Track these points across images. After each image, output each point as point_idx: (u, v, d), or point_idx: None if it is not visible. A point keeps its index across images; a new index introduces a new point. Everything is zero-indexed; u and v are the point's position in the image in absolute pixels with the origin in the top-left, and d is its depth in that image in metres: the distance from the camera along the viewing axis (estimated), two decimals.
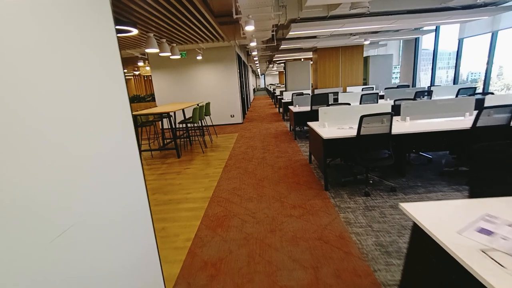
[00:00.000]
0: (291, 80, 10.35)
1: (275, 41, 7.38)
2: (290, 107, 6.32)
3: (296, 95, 6.93)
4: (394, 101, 4.65)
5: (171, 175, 4.15)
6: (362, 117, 2.77)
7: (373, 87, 8.80)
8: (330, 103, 5.65)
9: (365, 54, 9.83)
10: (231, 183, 3.61)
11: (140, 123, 5.43)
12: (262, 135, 6.72)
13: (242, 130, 7.58)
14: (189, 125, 6.60)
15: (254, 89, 28.88)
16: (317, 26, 5.55)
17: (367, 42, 7.43)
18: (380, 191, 3.04)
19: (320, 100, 5.55)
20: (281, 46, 8.44)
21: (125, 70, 13.18)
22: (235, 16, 3.95)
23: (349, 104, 4.45)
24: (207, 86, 8.55)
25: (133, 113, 5.40)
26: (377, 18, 5.18)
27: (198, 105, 6.35)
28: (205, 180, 3.80)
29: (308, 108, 5.68)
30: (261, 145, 5.67)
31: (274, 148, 5.29)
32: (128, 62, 9.21)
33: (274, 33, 6.33)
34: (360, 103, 5.40)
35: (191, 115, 5.48)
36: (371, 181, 3.28)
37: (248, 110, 12.54)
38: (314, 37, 7.33)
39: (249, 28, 4.06)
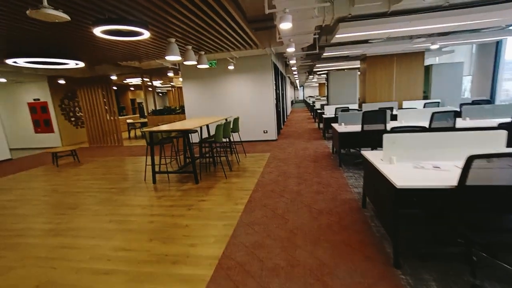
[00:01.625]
0: (334, 93, 9.13)
1: (317, 47, 6.37)
2: (334, 125, 5.17)
3: (342, 111, 5.76)
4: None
5: (181, 210, 3.32)
6: (471, 159, 1.60)
7: (438, 102, 7.19)
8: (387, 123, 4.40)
9: (425, 63, 8.25)
10: (252, 234, 2.62)
11: (158, 140, 4.78)
12: (298, 157, 5.65)
13: (275, 149, 6.59)
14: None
15: (292, 101, 27.90)
16: (373, 26, 4.41)
17: (435, 47, 5.98)
18: (497, 280, 1.78)
19: (375, 118, 4.34)
20: (324, 54, 7.38)
21: (161, 82, 13.26)
22: (267, 11, 3.06)
23: (423, 128, 3.21)
24: (238, 99, 7.80)
25: (143, 129, 4.81)
26: (461, 12, 3.87)
27: (226, 119, 5.58)
28: (219, 224, 2.87)
29: (357, 128, 4.50)
30: (297, 171, 4.61)
31: (312, 178, 4.19)
32: (161, 73, 8.97)
33: (316, 36, 5.33)
34: (430, 125, 4.06)
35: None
36: (474, 258, 2.02)
37: (284, 125, 11.54)
38: (366, 41, 6.15)
39: (285, 25, 3.13)
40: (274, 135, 7.86)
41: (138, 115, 16.12)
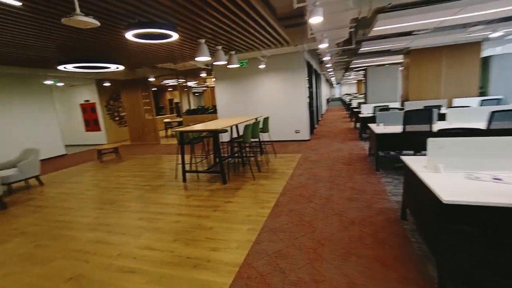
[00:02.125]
0: (373, 90, 8.52)
1: (353, 42, 5.96)
2: (372, 125, 4.78)
3: (380, 110, 5.31)
4: None
5: (207, 211, 3.31)
6: None
7: (499, 99, 6.28)
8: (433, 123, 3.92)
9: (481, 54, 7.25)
10: (276, 242, 2.49)
11: (189, 140, 4.88)
12: (331, 159, 5.35)
13: (307, 150, 6.35)
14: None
15: (327, 100, 26.94)
16: (418, 16, 3.95)
17: (496, 35, 5.18)
18: None
19: (418, 118, 3.89)
20: (361, 49, 6.90)
21: (196, 82, 13.69)
22: (296, 5, 2.89)
23: (478, 130, 2.77)
24: (270, 98, 7.67)
25: (174, 129, 4.92)
26: None
27: (256, 119, 5.52)
28: (244, 228, 2.79)
29: (397, 129, 4.09)
30: (328, 174, 4.35)
31: (345, 183, 3.91)
32: (195, 74, 9.23)
33: (352, 29, 4.97)
34: (489, 126, 3.50)
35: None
36: None
37: (318, 124, 11.13)
38: (409, 33, 5.58)
39: (316, 20, 2.92)
40: (306, 135, 7.59)
41: (175, 114, 16.89)
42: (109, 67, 5.59)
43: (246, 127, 4.43)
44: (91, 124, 10.81)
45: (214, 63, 5.08)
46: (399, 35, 5.88)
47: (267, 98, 7.71)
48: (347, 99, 17.04)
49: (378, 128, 4.40)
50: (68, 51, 4.78)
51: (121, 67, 5.73)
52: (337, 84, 36.48)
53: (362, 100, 10.43)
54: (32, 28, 3.51)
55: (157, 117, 9.91)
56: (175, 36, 3.51)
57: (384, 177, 4.03)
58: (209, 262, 2.25)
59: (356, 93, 24.82)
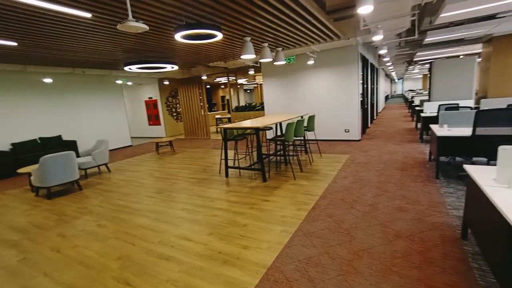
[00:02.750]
0: (439, 86, 7.45)
1: (416, 32, 5.27)
2: (433, 126, 4.18)
3: (446, 109, 4.62)
4: None
5: (243, 208, 3.36)
6: None
7: None
8: None
9: None
10: (309, 247, 2.37)
11: (233, 136, 5.01)
12: (382, 162, 4.89)
13: (355, 151, 5.92)
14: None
15: (387, 96, 24.71)
16: None
17: None
18: None
19: (497, 118, 3.24)
20: (426, 39, 6.07)
21: (246, 79, 13.97)
22: None
23: None
24: (318, 95, 7.36)
25: (220, 126, 5.08)
26: None
27: (301, 117, 5.38)
28: (277, 229, 2.74)
29: (466, 132, 3.48)
30: (377, 179, 3.98)
31: (396, 190, 3.52)
32: (244, 71, 9.41)
33: (415, 18, 4.41)
34: None
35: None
36: None
37: (372, 123, 10.29)
38: (492, 16, 4.69)
39: (366, 9, 2.65)
40: (357, 135, 7.08)
41: (226, 111, 17.59)
42: (165, 67, 6.09)
43: (289, 125, 4.33)
44: (153, 118, 11.99)
45: (260, 60, 5.08)
46: (477, 20, 4.99)
47: (315, 95, 7.42)
48: (409, 95, 15.33)
49: (441, 130, 3.82)
50: (132, 54, 5.35)
51: (176, 67, 6.18)
52: (399, 79, 33.14)
53: (426, 98, 9.22)
54: (102, 35, 4.01)
55: (209, 113, 10.44)
56: (219, 36, 3.61)
57: (445, 186, 3.49)
58: (238, 260, 2.27)
59: (421, 89, 22.16)
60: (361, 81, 7.24)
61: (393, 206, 3.05)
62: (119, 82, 9.12)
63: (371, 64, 9.47)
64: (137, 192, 4.38)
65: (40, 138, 7.08)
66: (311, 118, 5.40)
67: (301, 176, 4.47)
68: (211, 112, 14.37)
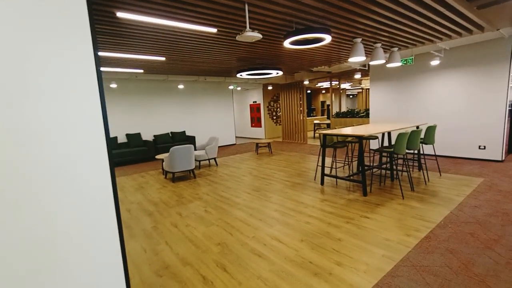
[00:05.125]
0: None
1: None
2: None
3: None
4: None
5: (338, 220, 3.13)
6: None
7: None
8: None
9: None
10: (419, 283, 1.97)
11: (332, 143, 4.78)
12: None
13: (494, 174, 4.56)
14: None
15: None
16: None
17: None
18: None
19: None
20: None
21: (350, 84, 13.09)
22: None
23: None
24: (442, 101, 6.10)
25: (319, 131, 4.89)
26: None
27: (417, 127, 4.65)
28: (378, 252, 2.41)
29: None
30: None
31: None
32: (349, 75, 8.85)
33: None
34: None
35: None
36: None
37: None
38: None
39: None
40: (498, 154, 5.45)
41: (325, 116, 17.06)
42: (271, 73, 6.45)
43: (401, 135, 3.76)
44: (255, 121, 12.96)
45: (370, 63, 4.64)
46: None
47: (438, 102, 6.18)
48: None
49: None
50: (243, 62, 5.95)
51: (280, 72, 6.46)
52: None
53: None
54: (222, 46, 4.63)
55: (308, 118, 10.40)
56: (328, 39, 3.51)
57: None
58: (330, 275, 2.13)
59: None
60: None
61: None
62: (230, 87, 10.33)
63: None
64: (237, 187, 4.81)
65: (171, 132, 8.86)
66: (431, 129, 4.52)
67: (412, 196, 3.80)
68: (310, 117, 14.26)
